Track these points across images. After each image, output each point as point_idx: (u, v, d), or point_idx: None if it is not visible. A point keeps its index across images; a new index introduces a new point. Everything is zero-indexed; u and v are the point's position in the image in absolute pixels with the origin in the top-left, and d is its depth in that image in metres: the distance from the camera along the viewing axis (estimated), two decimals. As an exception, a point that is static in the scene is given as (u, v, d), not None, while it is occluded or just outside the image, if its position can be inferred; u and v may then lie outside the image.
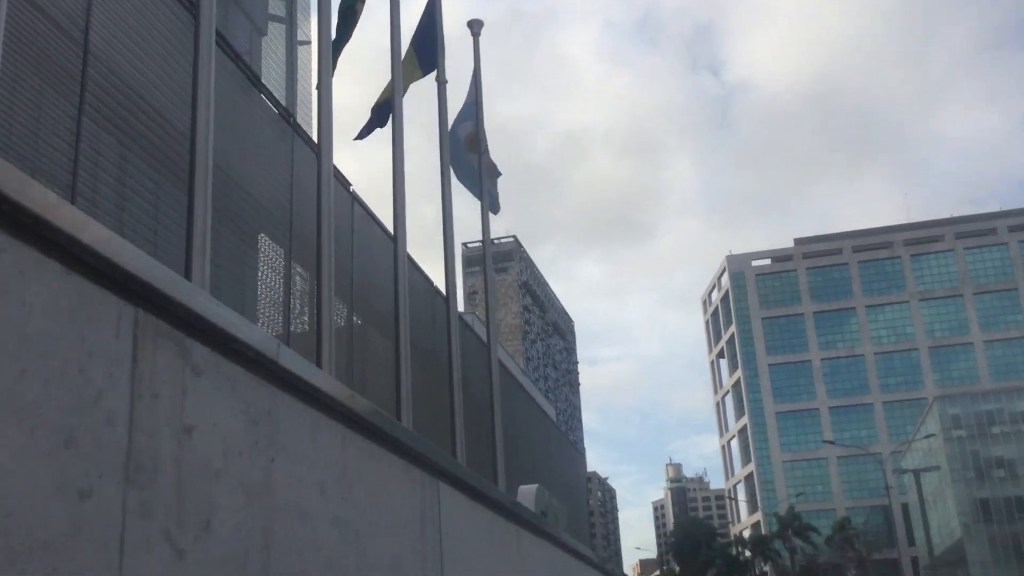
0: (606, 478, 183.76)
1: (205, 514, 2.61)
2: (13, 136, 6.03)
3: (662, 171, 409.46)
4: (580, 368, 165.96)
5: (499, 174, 12.58)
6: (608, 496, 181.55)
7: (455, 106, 13.10)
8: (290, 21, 12.80)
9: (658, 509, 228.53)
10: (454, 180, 12.30)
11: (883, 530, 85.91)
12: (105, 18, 6.99)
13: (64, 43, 6.64)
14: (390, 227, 13.87)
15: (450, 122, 12.10)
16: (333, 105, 9.33)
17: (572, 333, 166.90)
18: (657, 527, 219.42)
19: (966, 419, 76.38)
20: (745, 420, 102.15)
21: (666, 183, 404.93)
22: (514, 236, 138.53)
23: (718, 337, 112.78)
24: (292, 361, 3.22)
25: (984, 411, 76.54)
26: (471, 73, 12.89)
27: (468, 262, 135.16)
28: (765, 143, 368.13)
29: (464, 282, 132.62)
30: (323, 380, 3.51)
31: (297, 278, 11.62)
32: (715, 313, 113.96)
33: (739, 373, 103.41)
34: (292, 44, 12.57)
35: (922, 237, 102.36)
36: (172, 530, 2.43)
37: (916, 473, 54.63)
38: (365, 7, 10.82)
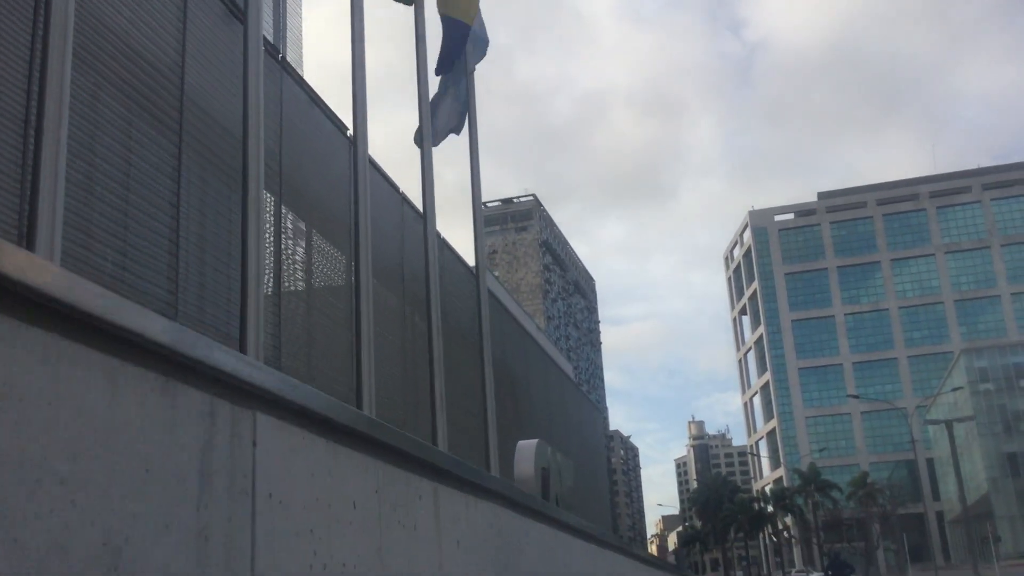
0: (628, 436, 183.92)
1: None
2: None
3: (684, 131, 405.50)
4: (604, 328, 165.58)
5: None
6: (631, 454, 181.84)
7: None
8: (278, -48, 12.07)
9: (681, 466, 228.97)
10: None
11: (907, 485, 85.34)
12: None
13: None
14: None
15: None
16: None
17: (593, 292, 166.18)
18: (680, 484, 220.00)
19: (993, 372, 75.38)
20: (768, 376, 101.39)
21: (688, 143, 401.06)
22: (533, 195, 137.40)
23: (740, 294, 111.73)
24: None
25: (1012, 364, 75.48)
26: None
27: (487, 221, 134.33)
28: (787, 101, 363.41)
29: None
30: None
31: (290, 227, 11.00)
32: (737, 269, 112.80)
33: (761, 329, 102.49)
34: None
35: (948, 189, 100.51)
36: None
37: (949, 424, 53.77)
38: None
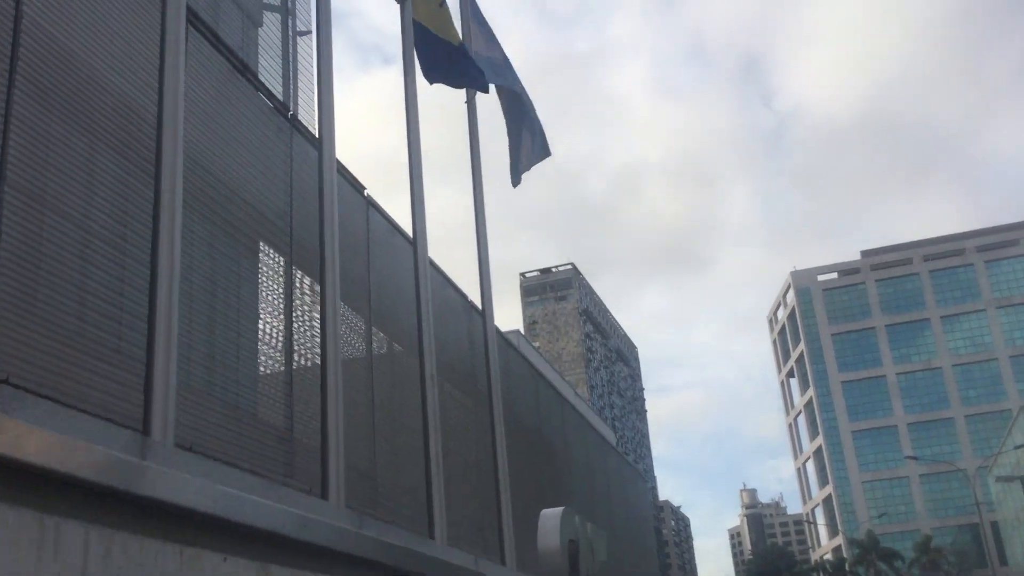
0: (679, 506, 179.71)
1: None
2: None
3: (719, 201, 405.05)
4: (649, 398, 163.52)
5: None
6: (682, 525, 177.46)
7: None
8: (286, 10, 11.75)
9: (734, 537, 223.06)
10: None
11: (971, 549, 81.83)
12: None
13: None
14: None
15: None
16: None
17: (636, 359, 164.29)
18: (734, 555, 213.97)
19: (1056, 428, 72.44)
20: (820, 440, 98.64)
21: (723, 212, 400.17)
22: (571, 263, 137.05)
23: (787, 356, 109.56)
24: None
25: (1076, 419, 72.52)
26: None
27: (526, 292, 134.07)
28: (821, 167, 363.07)
29: (523, 312, 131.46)
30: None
31: (299, 289, 10.45)
32: (782, 332, 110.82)
33: (811, 392, 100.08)
34: (289, 35, 11.53)
35: (995, 243, 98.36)
36: None
37: (1023, 482, 51.39)
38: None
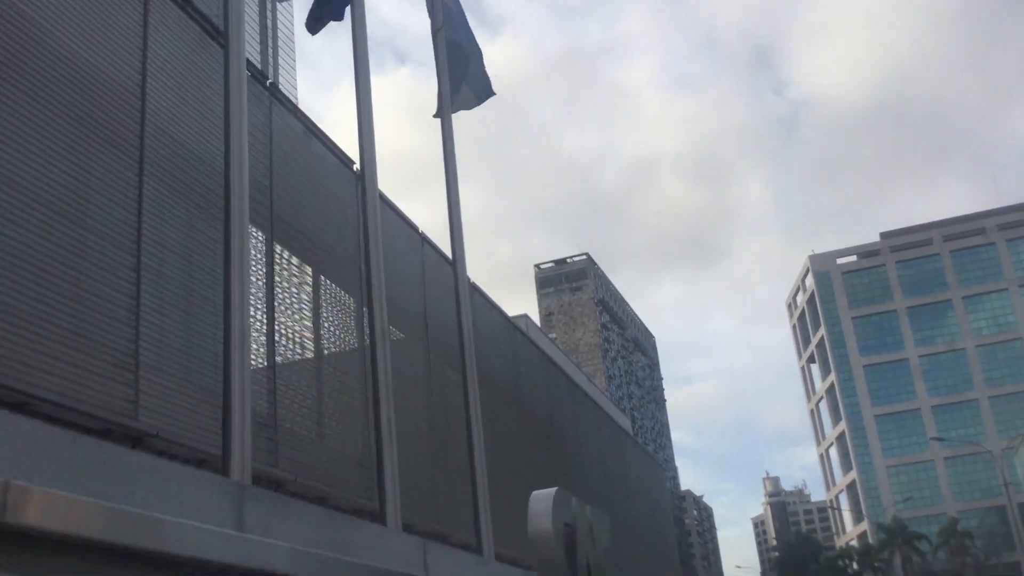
0: (701, 496, 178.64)
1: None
2: None
3: (733, 192, 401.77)
4: (668, 388, 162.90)
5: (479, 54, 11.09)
6: (705, 515, 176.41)
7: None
8: (263, -26, 11.10)
9: (758, 525, 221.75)
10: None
11: (999, 532, 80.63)
12: None
13: None
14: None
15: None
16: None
17: (654, 349, 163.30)
18: (759, 544, 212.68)
19: (1084, 408, 71.20)
20: (843, 426, 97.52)
21: (738, 203, 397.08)
22: (586, 254, 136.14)
23: (807, 342, 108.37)
24: None
25: (1103, 398, 71.23)
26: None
27: (541, 283, 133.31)
28: (836, 155, 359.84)
29: (539, 304, 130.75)
30: None
31: (279, 265, 9.80)
32: (802, 317, 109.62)
33: (832, 377, 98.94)
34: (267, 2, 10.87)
35: (1016, 220, 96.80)
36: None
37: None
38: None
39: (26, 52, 6.14)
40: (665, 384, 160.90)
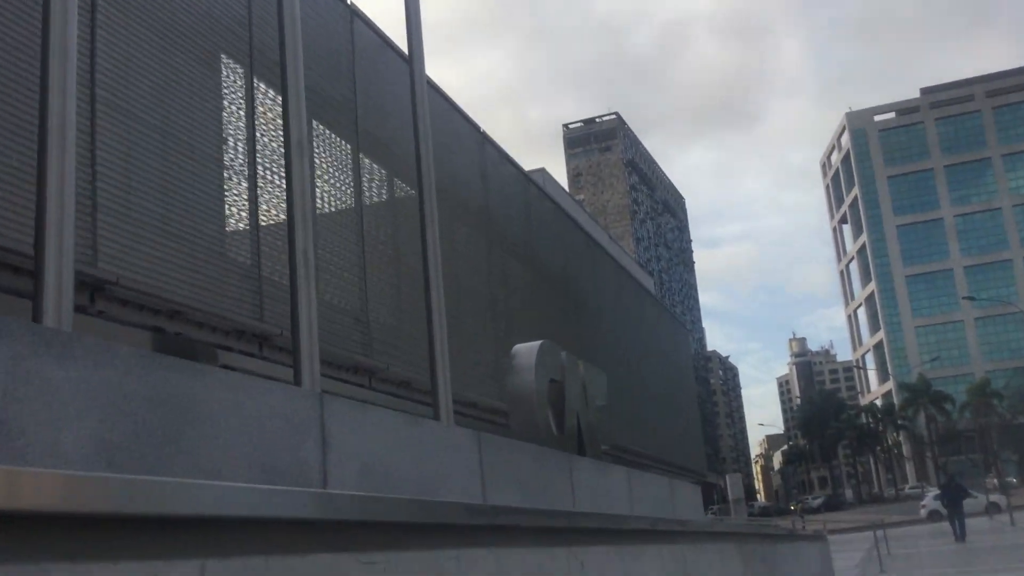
0: (727, 357, 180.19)
1: None
2: None
3: (769, 52, 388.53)
4: (698, 251, 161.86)
5: None
6: (730, 375, 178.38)
7: None
8: None
9: (783, 385, 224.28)
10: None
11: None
12: None
13: None
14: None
15: None
16: None
17: (683, 211, 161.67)
18: (783, 403, 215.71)
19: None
20: (872, 286, 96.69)
21: (773, 65, 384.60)
22: (616, 113, 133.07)
23: (840, 202, 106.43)
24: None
25: None
26: None
27: (569, 143, 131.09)
28: (874, 14, 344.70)
29: (567, 165, 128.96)
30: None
31: (261, 104, 9.07)
32: (836, 176, 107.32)
33: (864, 237, 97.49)
34: None
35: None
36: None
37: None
38: None
39: None
40: (694, 247, 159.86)
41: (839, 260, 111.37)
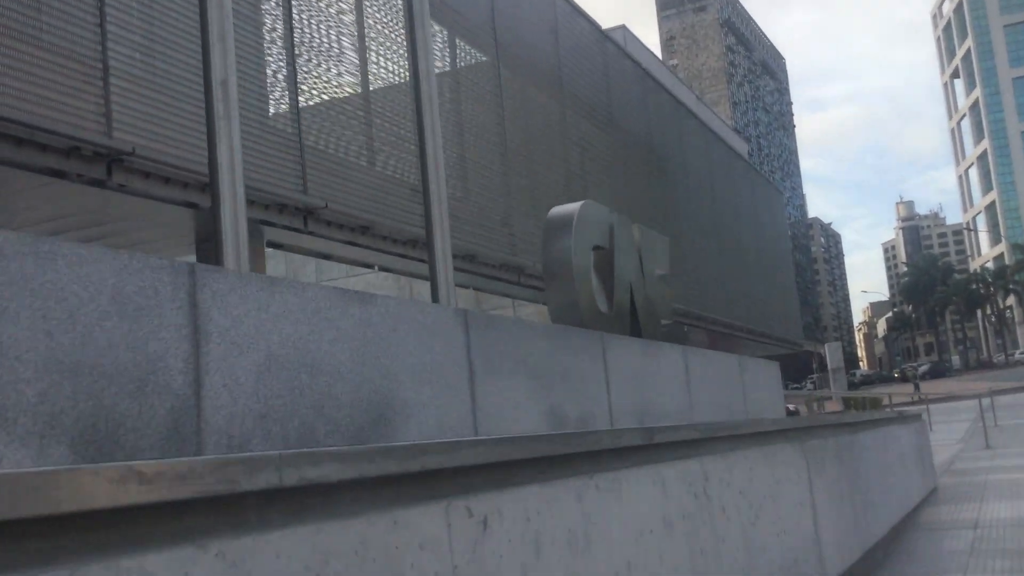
0: (829, 223, 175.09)
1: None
2: None
3: None
4: (801, 115, 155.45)
5: None
6: (832, 241, 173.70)
7: None
8: None
9: (888, 251, 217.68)
10: None
11: None
12: None
13: None
14: None
15: None
16: None
17: (784, 72, 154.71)
18: (888, 269, 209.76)
19: None
20: (985, 144, 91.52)
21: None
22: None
23: (951, 55, 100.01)
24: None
25: None
26: None
27: (662, 4, 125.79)
28: None
29: (659, 28, 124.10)
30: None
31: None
32: (947, 28, 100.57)
33: (977, 92, 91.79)
34: None
35: None
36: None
37: None
38: None
39: None
40: (795, 110, 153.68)
41: (950, 118, 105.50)
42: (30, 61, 5.61)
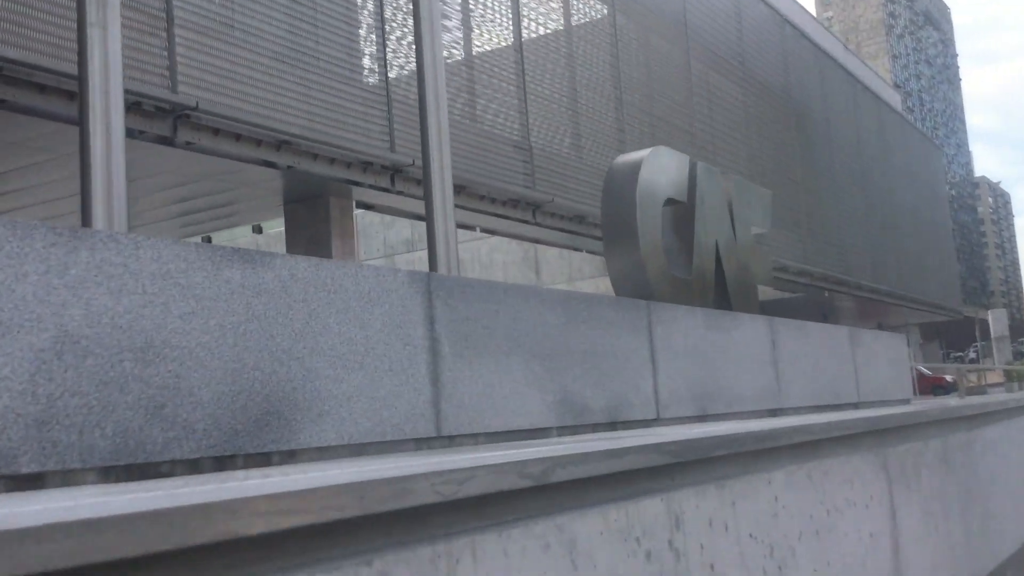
0: (998, 183, 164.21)
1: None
2: None
3: None
4: (966, 67, 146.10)
5: None
6: (1001, 202, 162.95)
7: None
8: None
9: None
10: None
11: None
12: None
13: None
14: None
15: None
16: None
17: (948, 22, 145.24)
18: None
19: None
20: None
21: None
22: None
23: None
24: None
25: None
26: None
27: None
28: None
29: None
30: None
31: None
32: None
33: None
34: None
35: None
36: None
37: None
38: None
39: None
40: (962, 63, 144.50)
41: None
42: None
